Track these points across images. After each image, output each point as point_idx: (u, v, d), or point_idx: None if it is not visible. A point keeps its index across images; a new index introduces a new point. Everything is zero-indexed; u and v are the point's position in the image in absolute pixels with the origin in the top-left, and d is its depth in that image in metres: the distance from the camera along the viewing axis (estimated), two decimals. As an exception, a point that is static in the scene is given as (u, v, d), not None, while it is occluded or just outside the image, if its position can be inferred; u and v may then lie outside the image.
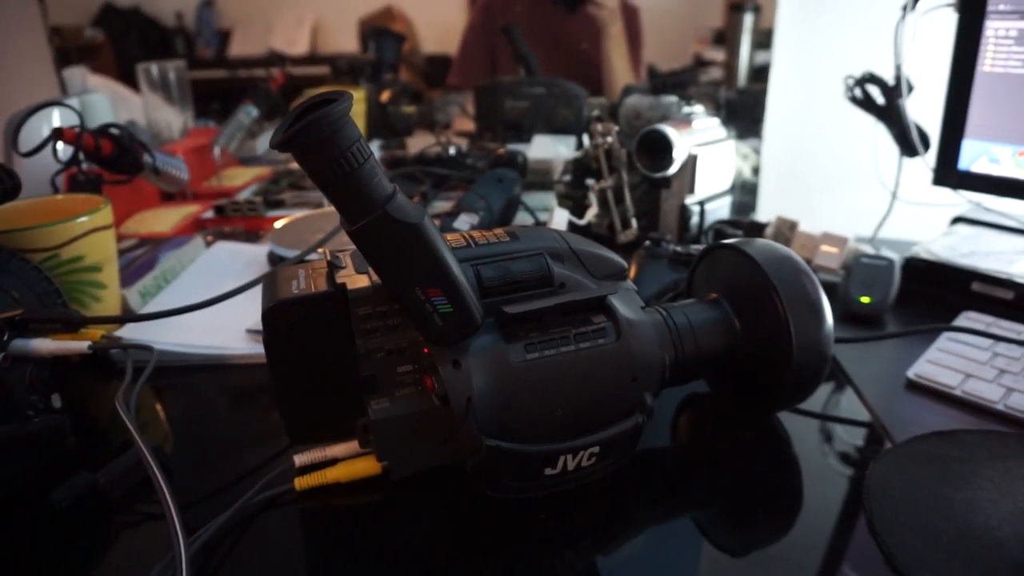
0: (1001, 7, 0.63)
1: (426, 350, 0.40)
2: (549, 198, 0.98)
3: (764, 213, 0.93)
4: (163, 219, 0.86)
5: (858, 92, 0.76)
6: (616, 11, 1.74)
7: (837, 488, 0.43)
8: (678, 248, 0.63)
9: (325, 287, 0.40)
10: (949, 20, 0.67)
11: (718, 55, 2.67)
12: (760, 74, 2.01)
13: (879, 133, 0.78)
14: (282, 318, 0.40)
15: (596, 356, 0.41)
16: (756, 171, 1.05)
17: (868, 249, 0.70)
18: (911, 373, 0.54)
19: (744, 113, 1.21)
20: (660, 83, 0.92)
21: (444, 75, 2.11)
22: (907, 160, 0.76)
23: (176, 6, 3.43)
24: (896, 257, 0.67)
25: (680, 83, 0.96)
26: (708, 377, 0.52)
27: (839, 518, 0.41)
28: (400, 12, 3.26)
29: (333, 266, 0.41)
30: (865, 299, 0.64)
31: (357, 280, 0.40)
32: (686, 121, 0.80)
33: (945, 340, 0.57)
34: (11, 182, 0.50)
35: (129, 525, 0.41)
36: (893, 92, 0.73)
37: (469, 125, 1.47)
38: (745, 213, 0.95)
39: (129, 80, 1.74)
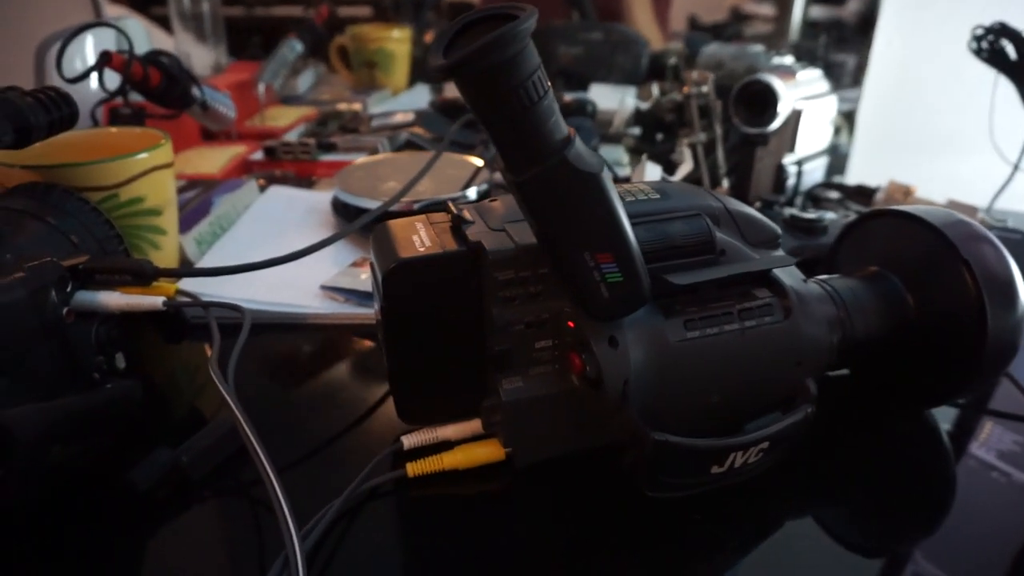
0: None
1: (571, 323, 0.34)
2: (618, 151, 0.91)
3: (853, 178, 0.86)
4: (209, 160, 0.80)
5: (985, 44, 0.68)
6: None
7: (999, 497, 0.38)
8: (797, 212, 0.57)
9: (455, 246, 0.34)
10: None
11: (759, 8, 2.54)
12: (808, 31, 1.91)
13: (1000, 92, 0.71)
14: (406, 281, 0.34)
15: (762, 336, 0.35)
16: (838, 131, 0.97)
17: (990, 221, 0.64)
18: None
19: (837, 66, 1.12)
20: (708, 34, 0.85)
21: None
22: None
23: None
24: (1027, 231, 0.61)
25: (726, 36, 0.88)
26: (860, 361, 0.46)
27: (1010, 535, 0.35)
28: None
29: (461, 220, 0.35)
30: (999, 276, 0.57)
31: (493, 239, 0.34)
32: (789, 72, 0.72)
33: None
34: (68, 109, 0.44)
35: (221, 507, 0.36)
36: (1029, 46, 0.66)
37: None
38: (830, 176, 0.88)
39: (146, 12, 1.65)
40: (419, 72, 1.25)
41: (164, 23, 1.26)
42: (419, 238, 0.35)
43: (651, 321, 0.34)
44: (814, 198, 0.74)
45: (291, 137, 0.90)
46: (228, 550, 0.34)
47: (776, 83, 0.68)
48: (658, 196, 0.37)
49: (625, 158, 0.88)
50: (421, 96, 1.17)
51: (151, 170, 0.50)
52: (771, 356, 0.36)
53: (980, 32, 0.68)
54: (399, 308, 0.34)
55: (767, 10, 2.44)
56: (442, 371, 0.37)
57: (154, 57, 0.65)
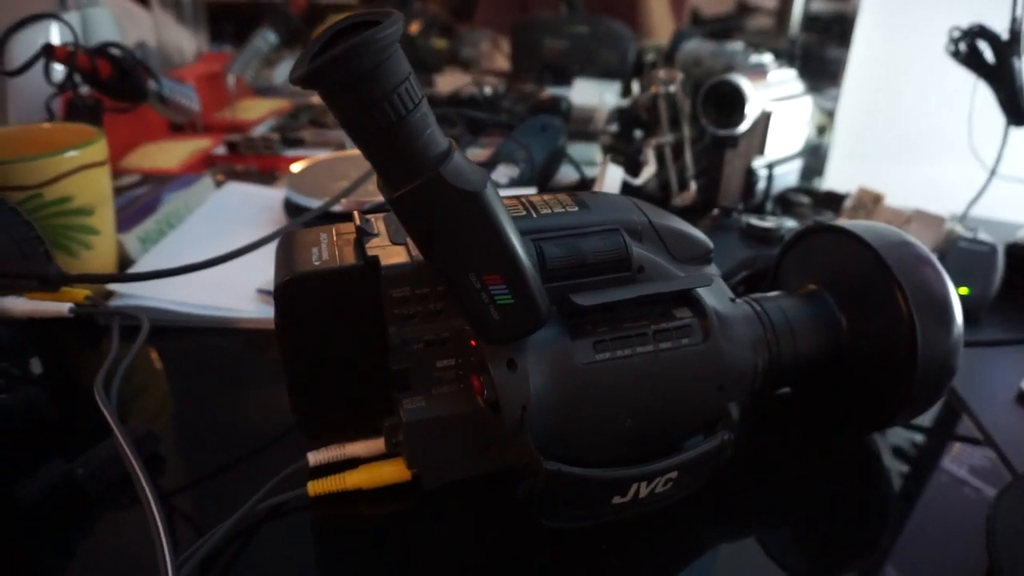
0: None
1: (474, 342, 0.33)
2: (592, 150, 0.89)
3: (831, 180, 0.84)
4: (169, 153, 0.78)
5: (963, 46, 0.66)
6: None
7: (945, 522, 0.36)
8: (755, 220, 0.55)
9: (353, 259, 0.33)
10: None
11: (764, 1, 2.50)
12: (812, 24, 1.87)
13: (979, 96, 0.68)
14: (298, 295, 0.32)
15: (678, 359, 0.34)
16: (822, 131, 0.95)
17: (962, 231, 0.61)
18: (1025, 384, 0.46)
19: (808, 67, 1.10)
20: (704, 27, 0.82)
21: (470, 11, 1.97)
22: (1013, 130, 0.67)
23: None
24: (997, 242, 0.58)
25: (725, 30, 0.86)
26: (797, 384, 0.44)
27: (946, 557, 0.34)
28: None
29: (363, 233, 0.34)
30: (963, 290, 0.55)
31: (393, 253, 0.32)
32: (760, 72, 0.70)
33: (1062, 345, 0.49)
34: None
35: (110, 529, 0.35)
36: (1007, 49, 0.63)
37: (502, 64, 1.36)
38: (807, 179, 0.85)
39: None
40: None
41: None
42: (319, 250, 0.34)
43: (557, 342, 0.32)
44: (785, 202, 0.72)
45: (261, 130, 0.88)
46: (104, 568, 0.33)
47: (745, 84, 0.66)
48: (576, 209, 0.35)
49: (599, 157, 0.86)
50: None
51: (81, 168, 0.49)
52: (689, 380, 0.34)
53: (957, 34, 0.65)
54: (292, 322, 0.33)
55: (771, 2, 2.40)
56: (344, 387, 0.35)
57: (103, 49, 0.63)
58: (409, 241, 0.33)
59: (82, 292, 0.41)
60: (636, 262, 0.34)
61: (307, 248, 0.34)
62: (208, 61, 1.04)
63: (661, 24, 1.64)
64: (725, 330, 0.35)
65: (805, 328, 0.38)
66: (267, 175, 0.78)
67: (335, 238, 0.35)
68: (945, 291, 0.37)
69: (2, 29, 0.78)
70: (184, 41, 1.13)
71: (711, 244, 0.38)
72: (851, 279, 0.39)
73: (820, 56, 1.52)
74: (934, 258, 0.38)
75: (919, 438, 0.43)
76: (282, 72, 1.11)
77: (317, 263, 0.33)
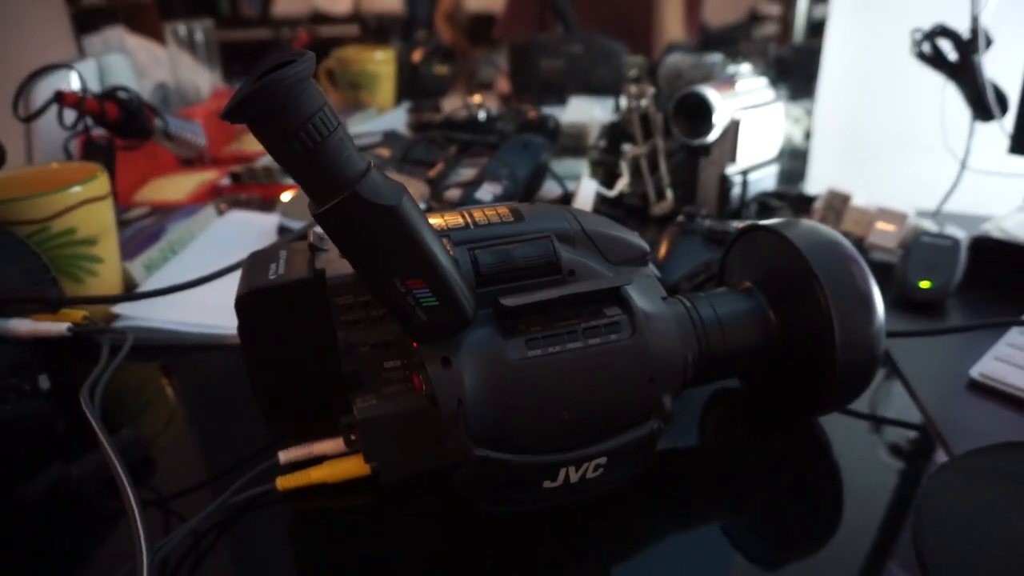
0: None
1: (416, 344, 0.36)
2: (582, 165, 0.92)
3: (815, 182, 0.85)
4: (178, 186, 0.84)
5: (927, 47, 0.68)
6: None
7: (881, 505, 0.38)
8: (713, 224, 0.57)
9: (304, 273, 0.36)
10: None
11: (775, 9, 2.51)
12: (818, 29, 1.88)
13: (948, 94, 0.70)
14: (256, 307, 0.36)
15: (607, 353, 0.36)
16: (808, 136, 0.96)
17: (930, 226, 0.63)
18: (975, 372, 0.47)
19: (798, 72, 1.12)
20: (707, 39, 0.85)
21: (488, 33, 2.03)
22: (980, 125, 0.68)
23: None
24: (963, 236, 0.60)
25: (730, 38, 0.88)
26: (740, 376, 0.46)
27: (881, 542, 0.35)
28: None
29: (315, 248, 0.37)
30: (925, 284, 0.57)
31: (339, 265, 0.36)
32: (729, 82, 0.72)
33: (1017, 335, 0.50)
34: (-5, 151, 0.47)
35: (100, 525, 0.38)
36: (968, 47, 0.65)
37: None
38: (795, 182, 0.87)
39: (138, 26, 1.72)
40: (406, 92, 1.28)
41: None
42: (276, 266, 0.37)
43: (490, 341, 0.35)
44: (762, 206, 0.74)
45: (263, 161, 0.93)
46: (90, 561, 0.36)
47: (711, 94, 0.68)
48: (512, 219, 0.38)
49: (587, 171, 0.89)
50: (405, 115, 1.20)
51: (84, 202, 0.54)
52: (619, 373, 0.36)
53: (919, 35, 0.67)
54: (252, 332, 0.36)
55: (777, 10, 2.41)
56: (306, 389, 0.38)
57: (111, 93, 0.69)
58: (355, 254, 0.37)
59: (79, 313, 0.45)
60: (566, 266, 0.37)
61: (266, 264, 0.38)
62: (219, 97, 1.11)
63: (673, 34, 1.67)
64: (653, 325, 0.37)
65: (735, 323, 0.40)
66: (268, 203, 0.83)
67: (291, 255, 0.38)
68: (866, 286, 0.39)
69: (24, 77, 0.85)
70: (200, 79, 1.20)
71: (646, 247, 0.41)
72: (779, 276, 0.41)
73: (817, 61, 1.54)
74: (858, 255, 0.40)
75: (865, 424, 0.44)
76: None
77: (273, 277, 0.36)
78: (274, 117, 0.27)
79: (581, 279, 0.38)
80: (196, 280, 0.48)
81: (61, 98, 0.63)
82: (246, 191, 0.85)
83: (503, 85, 1.46)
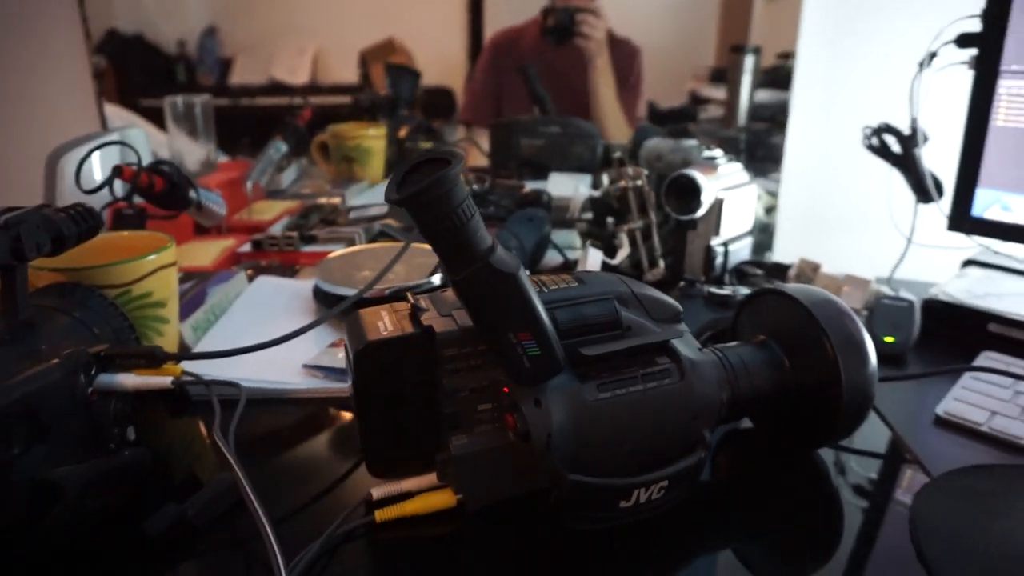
0: (1014, 67, 0.68)
1: (506, 389, 0.43)
2: (571, 235, 1.01)
3: (781, 253, 0.97)
4: (203, 253, 0.89)
5: (875, 141, 0.80)
6: (603, 43, 1.76)
7: (878, 520, 0.46)
8: (714, 289, 0.66)
9: (412, 328, 0.43)
10: (964, 76, 0.71)
11: (714, 92, 2.73)
12: (759, 112, 2.07)
13: (894, 179, 0.82)
14: (373, 359, 0.42)
15: (662, 395, 0.44)
16: (769, 211, 1.09)
17: (887, 290, 0.74)
18: (940, 410, 0.57)
19: (749, 153, 1.26)
20: (658, 122, 0.96)
21: (444, 107, 2.14)
22: (922, 206, 0.81)
23: (178, 34, 3.45)
24: (915, 298, 0.70)
25: (682, 122, 1.00)
26: (755, 415, 0.55)
27: (884, 548, 0.43)
28: (401, 44, 3.31)
29: (417, 308, 0.44)
30: (889, 339, 0.67)
31: (442, 323, 0.43)
32: (711, 166, 0.83)
33: (968, 379, 0.60)
34: (93, 221, 0.52)
35: (221, 550, 0.43)
36: (909, 142, 0.78)
37: (481, 160, 1.51)
38: (760, 253, 0.99)
39: (132, 108, 1.77)
40: (394, 166, 1.36)
41: (152, 115, 1.36)
42: (383, 323, 0.44)
43: (570, 385, 0.42)
44: (740, 274, 0.84)
45: (276, 229, 0.99)
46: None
47: (699, 177, 0.79)
48: (576, 284, 0.46)
49: (578, 242, 0.98)
50: (396, 186, 1.27)
51: (158, 269, 0.59)
52: (670, 411, 0.44)
53: (868, 131, 0.80)
54: (368, 381, 0.43)
55: (722, 94, 2.62)
56: (406, 432, 0.45)
57: (157, 166, 0.74)
58: (454, 312, 0.44)
59: (178, 368, 0.50)
60: (625, 323, 0.45)
61: (374, 323, 0.44)
62: (226, 169, 1.16)
63: (611, 114, 1.80)
64: (696, 372, 0.45)
65: (757, 369, 0.49)
66: (288, 268, 0.89)
67: (393, 314, 0.45)
68: (862, 337, 0.48)
69: (49, 143, 0.89)
70: (196, 152, 1.25)
71: (680, 307, 0.49)
72: (791, 330, 0.50)
73: (767, 143, 1.70)
74: (852, 312, 0.49)
75: (855, 457, 0.53)
76: (289, 176, 1.24)
77: (385, 333, 0.43)
78: (438, 203, 0.34)
79: (636, 334, 0.45)
80: (279, 338, 0.53)
81: (120, 172, 0.69)
82: (266, 257, 0.90)
83: (473, 159, 1.56)
